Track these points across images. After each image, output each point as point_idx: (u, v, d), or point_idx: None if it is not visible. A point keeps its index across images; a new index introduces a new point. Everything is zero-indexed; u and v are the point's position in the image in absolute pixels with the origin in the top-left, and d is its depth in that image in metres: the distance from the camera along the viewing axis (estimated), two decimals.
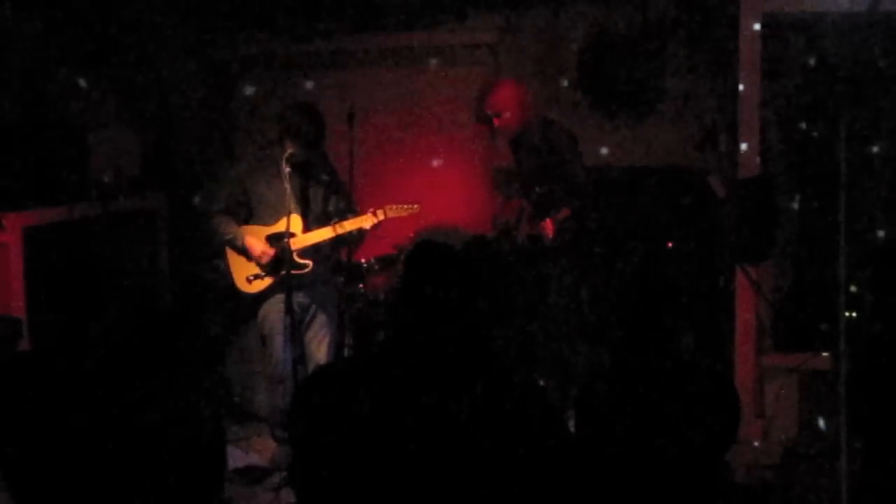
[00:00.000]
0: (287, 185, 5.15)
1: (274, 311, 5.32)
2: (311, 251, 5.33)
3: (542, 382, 5.82)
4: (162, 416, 3.15)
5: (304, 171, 5.35)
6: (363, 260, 6.12)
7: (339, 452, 2.77)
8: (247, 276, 5.34)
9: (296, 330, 5.33)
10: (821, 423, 5.36)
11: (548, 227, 5.75)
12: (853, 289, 4.83)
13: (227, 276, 5.46)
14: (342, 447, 2.76)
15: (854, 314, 4.87)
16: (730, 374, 5.79)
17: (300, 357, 5.41)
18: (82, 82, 6.17)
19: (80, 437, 3.07)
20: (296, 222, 5.24)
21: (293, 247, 5.23)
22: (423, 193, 5.83)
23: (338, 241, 5.44)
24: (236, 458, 5.48)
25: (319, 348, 5.44)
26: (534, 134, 5.90)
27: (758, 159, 5.81)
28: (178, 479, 3.00)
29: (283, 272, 5.21)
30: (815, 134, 5.86)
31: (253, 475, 5.38)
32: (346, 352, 5.95)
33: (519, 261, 6.05)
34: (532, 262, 5.96)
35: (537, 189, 5.86)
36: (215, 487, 3.06)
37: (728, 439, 3.33)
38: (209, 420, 3.17)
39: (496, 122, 5.97)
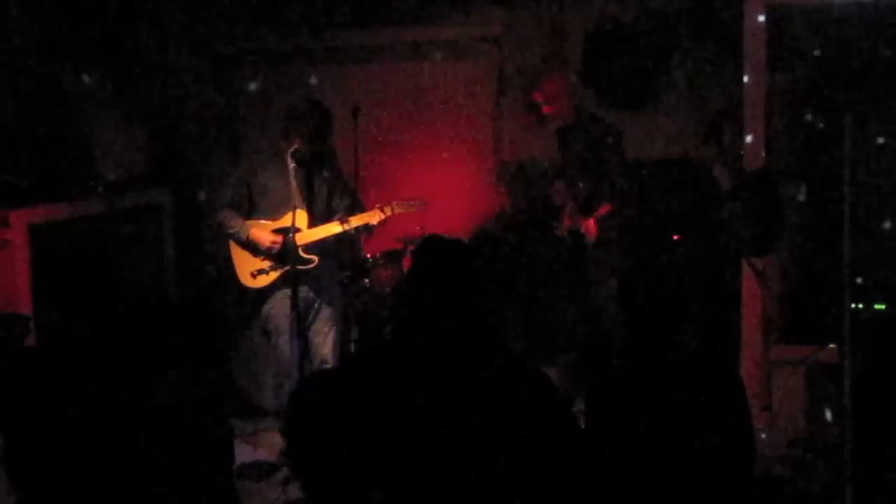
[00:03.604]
0: (292, 181, 5.14)
1: (279, 307, 5.33)
2: (316, 246, 5.33)
3: (554, 376, 5.84)
4: (168, 410, 3.16)
5: (309, 167, 5.35)
6: (368, 254, 6.12)
7: (342, 449, 2.77)
8: (251, 272, 5.34)
9: (301, 325, 5.33)
10: (827, 415, 5.36)
11: (590, 227, 5.69)
12: (859, 280, 4.82)
13: (231, 271, 5.46)
14: (345, 443, 2.76)
15: (861, 306, 4.87)
16: (736, 366, 5.79)
17: (305, 352, 5.42)
18: (87, 79, 6.18)
19: (87, 432, 3.08)
20: (301, 217, 5.24)
21: (298, 242, 5.23)
22: (427, 188, 5.83)
23: (342, 237, 5.44)
24: (243, 453, 5.48)
25: (324, 343, 5.45)
26: (581, 128, 5.88)
27: (763, 151, 5.80)
28: (187, 472, 3.01)
29: (288, 267, 5.21)
30: (820, 125, 5.84)
31: (260, 470, 5.40)
32: (351, 346, 5.96)
33: (559, 253, 6.03)
34: (573, 256, 5.93)
35: (581, 184, 5.84)
36: (224, 479, 3.06)
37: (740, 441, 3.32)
38: (215, 413, 3.18)
39: (545, 110, 5.93)
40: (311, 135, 5.21)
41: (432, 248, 3.05)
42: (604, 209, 5.70)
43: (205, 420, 3.14)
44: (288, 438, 2.94)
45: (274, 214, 5.32)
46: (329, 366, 5.43)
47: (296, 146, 5.18)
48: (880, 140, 5.59)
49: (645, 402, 3.26)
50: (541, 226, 6.15)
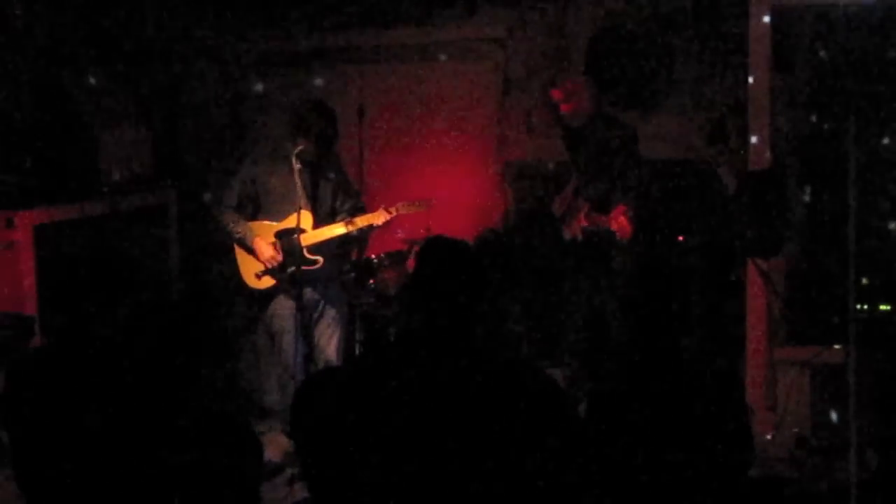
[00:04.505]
0: (297, 181, 5.15)
1: (283, 308, 5.33)
2: (321, 247, 5.33)
3: (558, 376, 5.84)
4: (175, 412, 3.16)
5: (314, 168, 5.35)
6: (373, 256, 6.12)
7: (348, 449, 2.77)
8: (255, 273, 5.35)
9: (305, 326, 5.33)
10: (833, 416, 5.35)
11: (623, 223, 5.59)
12: (864, 281, 4.82)
13: (236, 272, 5.47)
14: (351, 443, 2.77)
15: (865, 307, 4.86)
16: (741, 368, 5.78)
17: (310, 353, 5.42)
18: (93, 80, 6.18)
19: (93, 433, 3.08)
20: (306, 218, 5.24)
21: (303, 243, 5.24)
22: (432, 189, 5.84)
23: (346, 238, 5.44)
24: None
25: (329, 344, 5.45)
26: (596, 129, 5.87)
27: (768, 152, 5.79)
28: (206, 476, 3.00)
29: (294, 268, 5.21)
30: (825, 126, 5.84)
31: (266, 470, 5.39)
32: (356, 348, 5.96)
33: (567, 255, 6.04)
34: (592, 256, 5.93)
35: (596, 185, 5.83)
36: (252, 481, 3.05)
37: (738, 441, 3.32)
38: (233, 415, 3.17)
39: (563, 108, 5.92)
40: (317, 135, 5.21)
41: (436, 250, 3.04)
42: (619, 210, 5.70)
43: (221, 423, 3.13)
44: (295, 438, 2.93)
45: (279, 215, 5.32)
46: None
47: (301, 147, 5.18)
48: (885, 140, 5.58)
49: (645, 403, 3.26)
50: (546, 227, 6.14)
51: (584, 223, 5.83)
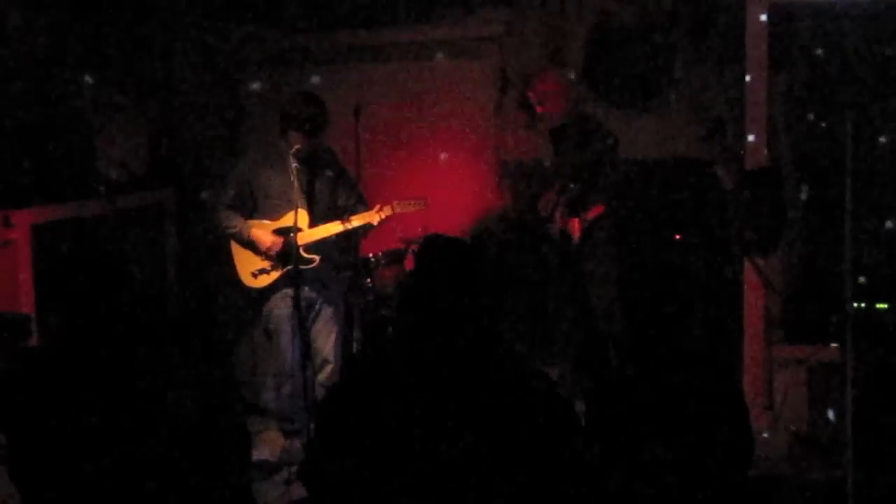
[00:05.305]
0: (294, 180, 5.14)
1: (280, 306, 5.33)
2: (318, 246, 5.32)
3: (554, 376, 5.84)
4: (172, 410, 3.15)
5: (311, 165, 5.34)
6: (370, 254, 6.12)
7: (357, 452, 2.78)
8: (252, 271, 5.34)
9: (302, 325, 5.33)
10: (829, 414, 5.36)
11: (575, 227, 5.77)
12: (861, 280, 4.83)
13: (232, 271, 5.46)
14: (361, 448, 2.77)
15: (863, 305, 4.87)
16: (739, 366, 5.79)
17: (307, 352, 5.42)
18: (89, 79, 6.18)
19: (90, 433, 3.08)
20: (302, 217, 5.24)
21: (300, 241, 5.23)
22: (429, 187, 5.83)
23: (345, 236, 5.44)
24: None
25: (326, 343, 5.45)
26: (575, 129, 5.88)
27: (765, 150, 5.80)
28: (198, 471, 3.00)
29: (290, 267, 5.21)
30: (822, 124, 5.84)
31: (262, 470, 5.39)
32: (353, 347, 5.96)
33: (551, 254, 6.07)
34: (564, 257, 5.96)
35: (571, 185, 5.85)
36: (237, 476, 3.05)
37: (738, 445, 3.32)
38: (226, 414, 3.17)
39: (539, 110, 5.95)
40: (309, 128, 5.19)
41: (435, 249, 3.04)
42: (595, 210, 5.73)
43: (213, 420, 3.13)
44: (322, 445, 2.94)
45: (275, 214, 5.32)
46: (331, 365, 5.44)
47: (297, 146, 5.17)
48: (882, 139, 5.58)
49: (643, 401, 3.26)
50: (540, 226, 6.16)
51: (560, 223, 5.88)
